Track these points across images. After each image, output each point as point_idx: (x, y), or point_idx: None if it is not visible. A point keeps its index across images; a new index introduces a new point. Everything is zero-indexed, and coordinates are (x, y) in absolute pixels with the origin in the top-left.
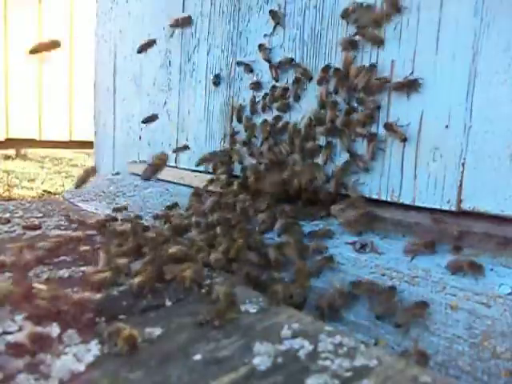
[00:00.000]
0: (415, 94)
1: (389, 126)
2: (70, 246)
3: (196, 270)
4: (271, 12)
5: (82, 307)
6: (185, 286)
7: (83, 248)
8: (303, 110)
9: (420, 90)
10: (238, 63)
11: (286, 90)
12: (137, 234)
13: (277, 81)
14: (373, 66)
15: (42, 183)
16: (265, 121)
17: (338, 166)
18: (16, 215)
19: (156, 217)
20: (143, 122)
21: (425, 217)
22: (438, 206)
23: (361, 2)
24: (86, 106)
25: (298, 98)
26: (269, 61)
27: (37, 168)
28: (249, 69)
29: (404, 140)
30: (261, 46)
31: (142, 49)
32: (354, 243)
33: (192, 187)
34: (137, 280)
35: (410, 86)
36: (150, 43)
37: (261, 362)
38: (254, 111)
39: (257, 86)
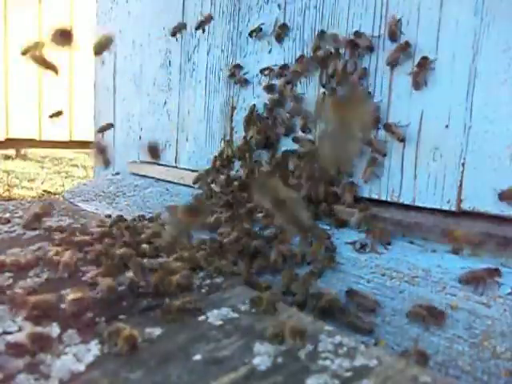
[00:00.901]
0: (415, 93)
1: (388, 127)
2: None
3: (184, 274)
4: (252, 32)
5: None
6: (170, 290)
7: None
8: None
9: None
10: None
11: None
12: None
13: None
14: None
15: (42, 183)
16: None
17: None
18: (16, 215)
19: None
20: (99, 131)
21: (425, 217)
22: (438, 206)
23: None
24: (86, 105)
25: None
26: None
27: (37, 168)
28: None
29: (402, 140)
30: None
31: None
32: (353, 243)
33: (192, 187)
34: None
35: (425, 63)
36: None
37: (261, 361)
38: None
39: (270, 88)
